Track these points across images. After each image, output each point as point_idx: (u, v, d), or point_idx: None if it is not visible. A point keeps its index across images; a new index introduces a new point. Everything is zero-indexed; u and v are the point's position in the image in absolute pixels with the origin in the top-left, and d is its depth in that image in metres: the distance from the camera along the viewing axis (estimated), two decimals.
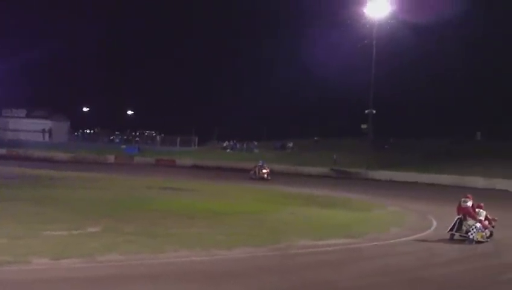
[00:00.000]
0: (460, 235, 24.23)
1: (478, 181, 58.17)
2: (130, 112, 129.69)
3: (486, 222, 24.66)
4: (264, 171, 60.43)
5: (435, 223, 29.76)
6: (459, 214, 24.84)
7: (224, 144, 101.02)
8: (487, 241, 24.21)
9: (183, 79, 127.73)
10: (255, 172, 60.63)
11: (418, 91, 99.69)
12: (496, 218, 25.62)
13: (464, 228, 24.22)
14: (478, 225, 23.97)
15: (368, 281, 16.23)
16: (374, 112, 77.31)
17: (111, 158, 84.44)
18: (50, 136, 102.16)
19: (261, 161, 63.44)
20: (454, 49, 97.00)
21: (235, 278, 15.70)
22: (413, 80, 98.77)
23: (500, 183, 58.03)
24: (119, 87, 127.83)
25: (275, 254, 19.17)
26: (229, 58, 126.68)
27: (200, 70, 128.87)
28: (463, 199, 25.00)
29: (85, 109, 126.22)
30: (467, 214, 24.50)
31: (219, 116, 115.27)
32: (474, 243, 23.52)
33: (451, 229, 24.57)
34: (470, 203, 24.74)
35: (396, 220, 30.49)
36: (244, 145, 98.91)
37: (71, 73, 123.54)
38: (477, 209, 24.85)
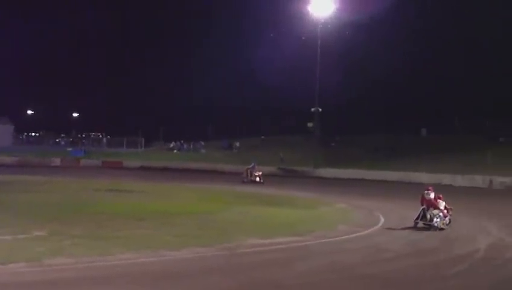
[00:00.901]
0: (424, 224, 27.16)
1: (423, 177, 58.90)
2: (75, 114, 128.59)
3: (445, 211, 27.65)
4: (256, 174, 57.78)
5: (382, 219, 30.09)
6: (423, 205, 27.80)
7: (171, 145, 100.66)
8: (447, 228, 27.06)
9: (128, 80, 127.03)
10: (246, 175, 57.97)
11: (363, 89, 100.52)
12: (451, 207, 28.42)
13: (428, 216, 27.12)
14: (441, 213, 27.19)
15: (315, 278, 16.34)
16: (320, 110, 77.72)
17: (57, 161, 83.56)
18: None
19: (252, 163, 60.05)
20: (397, 46, 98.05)
21: (184, 278, 15.70)
22: (358, 78, 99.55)
23: (446, 179, 58.83)
24: (63, 89, 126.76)
25: (224, 253, 19.18)
26: (173, 57, 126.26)
27: (144, 70, 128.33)
28: (426, 192, 28.15)
29: (29, 112, 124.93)
30: (430, 205, 27.54)
31: (164, 117, 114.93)
32: (438, 229, 26.44)
33: (417, 219, 27.46)
34: (432, 195, 27.97)
35: (344, 217, 30.80)
36: (191, 145, 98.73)
37: (14, 76, 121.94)
38: (438, 200, 27.98)
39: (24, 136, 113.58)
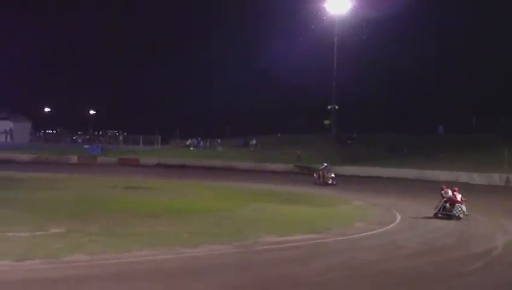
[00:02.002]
0: (441, 214, 30.47)
1: (440, 175, 58.79)
2: (92, 112, 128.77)
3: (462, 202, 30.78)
4: (330, 175, 54.63)
5: (399, 216, 30.09)
6: (443, 198, 30.88)
7: (188, 142, 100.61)
8: (464, 217, 29.91)
9: (145, 77, 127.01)
10: (319, 176, 55.00)
11: (380, 86, 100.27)
12: (466, 199, 31.20)
13: (448, 206, 30.52)
14: (461, 205, 30.36)
15: (334, 275, 16.32)
16: (337, 107, 77.61)
17: (74, 158, 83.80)
18: (11, 137, 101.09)
19: (324, 164, 56.57)
20: (414, 43, 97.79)
21: (201, 275, 15.68)
22: (374, 75, 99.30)
23: (463, 176, 58.63)
24: (81, 86, 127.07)
25: (241, 250, 19.18)
26: (190, 54, 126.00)
27: (162, 67, 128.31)
28: (443, 191, 31.18)
29: (46, 110, 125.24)
30: (450, 201, 30.63)
31: (181, 114, 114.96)
32: (458, 219, 29.54)
33: (438, 210, 30.71)
34: (450, 192, 31.00)
35: (361, 214, 30.79)
36: (208, 143, 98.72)
37: (32, 73, 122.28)
38: (454, 193, 30.97)
39: (41, 134, 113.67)
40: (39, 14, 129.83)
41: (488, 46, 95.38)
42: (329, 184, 52.85)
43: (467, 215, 30.30)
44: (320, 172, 55.23)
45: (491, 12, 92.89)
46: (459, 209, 30.17)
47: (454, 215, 29.89)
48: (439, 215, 30.47)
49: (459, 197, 30.78)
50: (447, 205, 30.61)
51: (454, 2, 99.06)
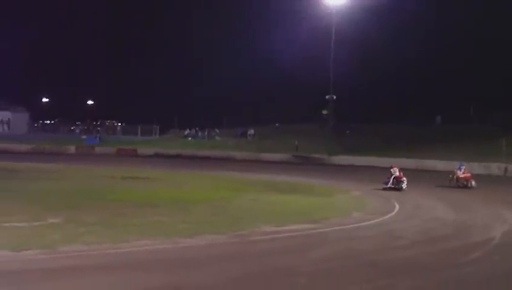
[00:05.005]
0: (390, 187, 39.14)
1: (437, 164, 58.87)
2: (90, 102, 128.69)
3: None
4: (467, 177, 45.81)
5: (397, 206, 30.01)
6: (392, 175, 40.03)
7: (186, 132, 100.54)
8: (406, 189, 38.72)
9: (143, 67, 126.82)
10: (452, 177, 45.85)
11: (378, 76, 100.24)
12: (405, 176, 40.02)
13: (395, 182, 39.66)
14: (404, 179, 39.63)
15: (330, 265, 16.27)
16: (335, 97, 77.67)
17: (72, 149, 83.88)
18: (9, 127, 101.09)
19: (459, 164, 47.83)
20: (413, 33, 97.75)
21: (198, 265, 15.65)
22: (372, 65, 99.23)
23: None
24: (79, 77, 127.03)
25: (238, 241, 19.16)
26: (189, 44, 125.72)
27: (159, 58, 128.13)
28: (392, 170, 40.45)
29: (45, 100, 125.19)
30: (397, 178, 39.72)
31: (180, 104, 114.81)
32: (403, 189, 38.51)
33: (387, 184, 39.68)
34: (397, 172, 40.16)
35: (359, 204, 30.71)
36: (206, 133, 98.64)
37: (30, 63, 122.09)
38: (400, 172, 40.31)
39: (39, 124, 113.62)
40: (39, 4, 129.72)
41: (486, 37, 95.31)
42: (468, 187, 44.80)
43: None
44: (456, 174, 46.26)
45: (488, 5, 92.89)
46: (403, 183, 39.15)
47: (401, 187, 38.90)
48: (389, 188, 39.08)
49: (402, 174, 39.95)
50: (395, 180, 39.57)
51: None
